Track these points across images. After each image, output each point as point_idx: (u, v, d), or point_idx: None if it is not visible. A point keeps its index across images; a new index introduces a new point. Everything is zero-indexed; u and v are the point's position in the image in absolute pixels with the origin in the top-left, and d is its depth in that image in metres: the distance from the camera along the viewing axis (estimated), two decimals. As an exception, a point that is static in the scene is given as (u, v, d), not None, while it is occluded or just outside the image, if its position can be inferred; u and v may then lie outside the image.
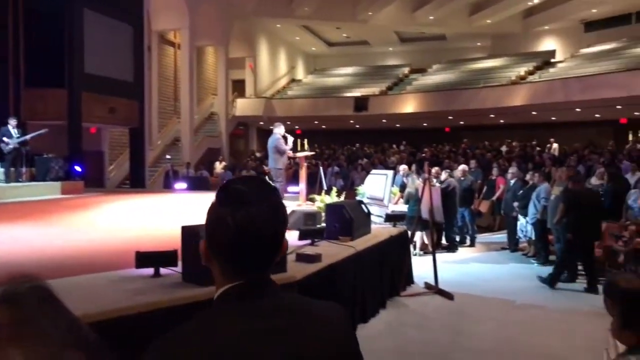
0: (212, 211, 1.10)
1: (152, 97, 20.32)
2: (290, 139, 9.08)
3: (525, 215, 9.98)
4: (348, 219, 6.17)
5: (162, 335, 1.04)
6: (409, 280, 7.65)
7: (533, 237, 9.95)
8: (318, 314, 1.14)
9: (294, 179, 11.28)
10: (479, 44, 28.35)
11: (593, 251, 7.67)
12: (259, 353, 1.02)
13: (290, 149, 9.08)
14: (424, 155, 19.23)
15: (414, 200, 9.84)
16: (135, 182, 17.16)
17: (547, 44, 26.37)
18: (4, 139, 11.11)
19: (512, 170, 11.21)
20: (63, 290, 2.78)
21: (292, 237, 5.74)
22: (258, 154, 22.66)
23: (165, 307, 3.36)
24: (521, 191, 10.17)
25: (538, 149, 19.18)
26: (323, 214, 7.03)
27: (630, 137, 20.80)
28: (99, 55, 14.80)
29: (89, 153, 15.59)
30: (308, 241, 5.80)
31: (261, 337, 1.03)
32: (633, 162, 13.02)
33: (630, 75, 17.49)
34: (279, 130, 9.10)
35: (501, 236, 12.10)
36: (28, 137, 11.60)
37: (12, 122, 11.44)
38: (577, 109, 19.63)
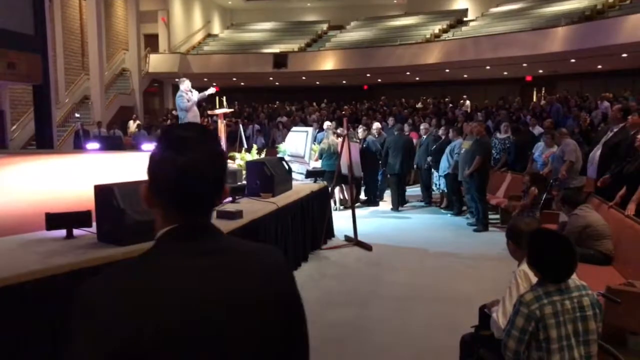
0: (155, 156, 1.12)
1: (57, 52, 18.98)
2: (197, 94, 8.91)
3: (437, 169, 10.47)
4: (269, 176, 6.19)
5: (102, 272, 1.06)
6: (330, 234, 7.86)
7: (445, 190, 10.49)
8: (258, 254, 1.19)
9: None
10: (395, 1, 28.63)
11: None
12: (201, 288, 1.05)
13: (199, 102, 8.92)
14: (343, 112, 19.44)
15: (327, 154, 10.04)
16: (42, 142, 16.11)
17: (461, 2, 27.10)
18: None
19: (424, 126, 11.65)
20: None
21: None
22: (175, 112, 21.96)
23: (81, 268, 3.25)
24: (434, 146, 10.61)
25: (451, 105, 19.94)
26: (244, 172, 7.00)
27: (535, 94, 22.12)
28: (-7, 5, 13.51)
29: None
30: (229, 198, 5.78)
31: (203, 272, 1.07)
32: (534, 118, 13.90)
33: (535, 35, 18.42)
34: (184, 86, 8.90)
35: (416, 189, 12.62)
36: None
37: None
38: (487, 67, 20.49)
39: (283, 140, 11.95)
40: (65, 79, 20.29)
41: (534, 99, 20.93)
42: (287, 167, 6.89)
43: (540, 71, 21.02)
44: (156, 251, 1.11)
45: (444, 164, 10.04)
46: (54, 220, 3.80)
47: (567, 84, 20.59)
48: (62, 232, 3.87)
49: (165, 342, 0.99)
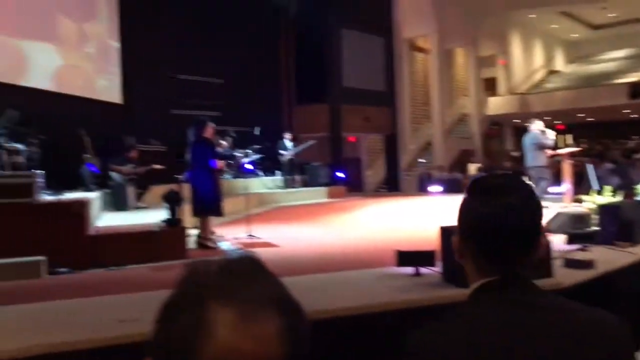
0: (464, 205, 1.11)
1: (405, 104, 20.97)
2: (551, 133, 8.42)
3: None
4: (627, 222, 5.43)
5: (420, 327, 1.07)
6: None
7: None
8: (587, 317, 1.04)
9: (555, 179, 10.40)
10: None
11: None
12: (518, 346, 0.98)
13: (552, 146, 8.42)
14: None
15: None
16: (392, 185, 17.96)
17: None
18: (281, 151, 12.77)
19: None
20: (336, 283, 3.07)
21: (558, 241, 5.33)
22: (514, 154, 21.50)
23: (425, 305, 3.43)
24: None
25: None
26: (594, 217, 6.31)
27: None
28: (354, 69, 15.97)
29: (349, 160, 16.90)
30: (577, 246, 5.28)
31: (519, 330, 1.00)
32: None
33: None
34: (536, 125, 8.55)
35: None
36: (300, 148, 13.13)
37: (287, 136, 13.10)
38: None
39: (642, 180, 10.35)
40: (411, 127, 22.18)
41: None
42: (649, 211, 5.91)
43: None
44: (473, 304, 1.08)
45: None
46: (403, 257, 4.12)
47: None
48: (411, 269, 4.16)
49: None
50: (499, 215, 1.05)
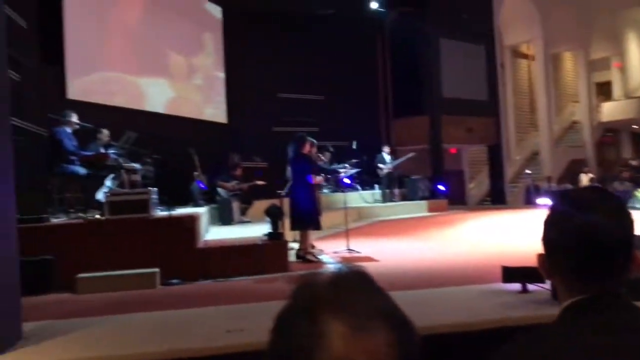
0: (549, 219, 1.07)
1: (508, 113, 20.17)
2: None
3: None
4: None
5: (503, 346, 1.03)
6: None
7: None
8: None
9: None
10: None
11: None
12: None
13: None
14: None
15: None
16: (496, 198, 17.26)
17: None
18: (380, 164, 12.74)
19: None
20: (438, 298, 3.00)
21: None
22: (633, 162, 19.85)
23: (533, 324, 3.24)
24: None
25: None
26: None
27: None
28: (454, 79, 15.62)
29: (450, 172, 16.48)
30: None
31: (609, 353, 0.93)
32: None
33: None
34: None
35: None
36: (398, 161, 13.03)
37: (386, 150, 13.06)
38: None
39: None
40: (516, 137, 21.25)
41: None
42: None
43: None
44: (560, 324, 1.01)
45: None
46: (509, 273, 3.94)
47: None
48: (517, 286, 3.96)
49: None
50: (587, 229, 1.00)
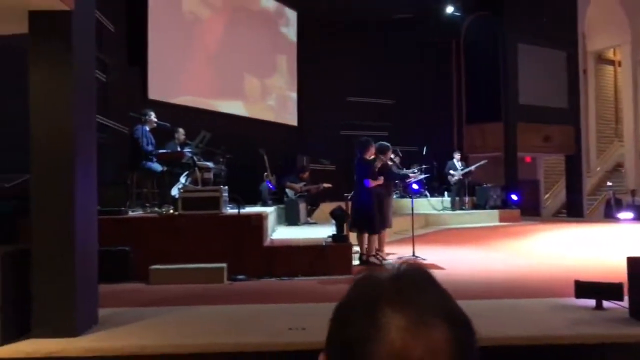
0: None
1: (589, 122, 19.20)
2: None
3: None
4: None
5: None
6: None
7: None
8: None
9: None
10: None
11: None
12: None
13: None
14: None
15: None
16: (573, 211, 16.46)
17: None
18: (450, 171, 12.48)
19: None
20: (505, 310, 2.91)
21: None
22: None
23: (608, 342, 3.07)
24: None
25: None
26: None
27: None
28: (532, 85, 15.05)
29: (524, 182, 15.87)
30: None
31: None
32: None
33: None
34: None
35: None
36: (471, 168, 12.70)
37: (457, 156, 12.78)
38: None
39: None
40: (597, 148, 20.18)
41: None
42: None
43: None
44: None
45: None
46: (583, 289, 3.76)
47: None
48: (591, 302, 3.77)
49: None
50: None
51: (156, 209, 6.58)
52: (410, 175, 8.78)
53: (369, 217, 6.49)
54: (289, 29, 13.00)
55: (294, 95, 13.08)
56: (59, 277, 3.38)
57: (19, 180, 4.15)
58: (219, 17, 11.14)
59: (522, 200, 14.33)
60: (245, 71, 11.60)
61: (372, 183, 6.52)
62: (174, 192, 6.54)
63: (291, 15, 13.02)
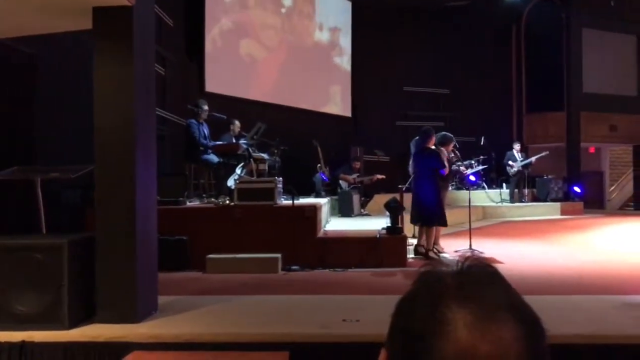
0: None
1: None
2: None
3: None
4: None
5: None
6: None
7: None
8: None
9: None
10: None
11: None
12: None
13: None
14: None
15: None
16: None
17: None
18: (509, 162, 12.10)
19: None
20: (567, 306, 2.80)
21: None
22: None
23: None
24: None
25: None
26: None
27: None
28: (597, 72, 14.36)
29: (587, 173, 15.21)
30: None
31: None
32: None
33: None
34: None
35: None
36: (532, 159, 12.28)
37: (516, 147, 12.38)
38: None
39: None
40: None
41: None
42: None
43: None
44: None
45: None
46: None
47: None
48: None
49: None
50: None
51: (213, 199, 6.72)
52: (467, 166, 8.57)
53: (438, 209, 6.37)
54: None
55: (348, 86, 12.99)
56: (122, 264, 3.51)
57: (85, 171, 4.20)
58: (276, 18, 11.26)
59: (585, 193, 13.75)
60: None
61: (447, 171, 6.42)
62: (230, 183, 6.65)
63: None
